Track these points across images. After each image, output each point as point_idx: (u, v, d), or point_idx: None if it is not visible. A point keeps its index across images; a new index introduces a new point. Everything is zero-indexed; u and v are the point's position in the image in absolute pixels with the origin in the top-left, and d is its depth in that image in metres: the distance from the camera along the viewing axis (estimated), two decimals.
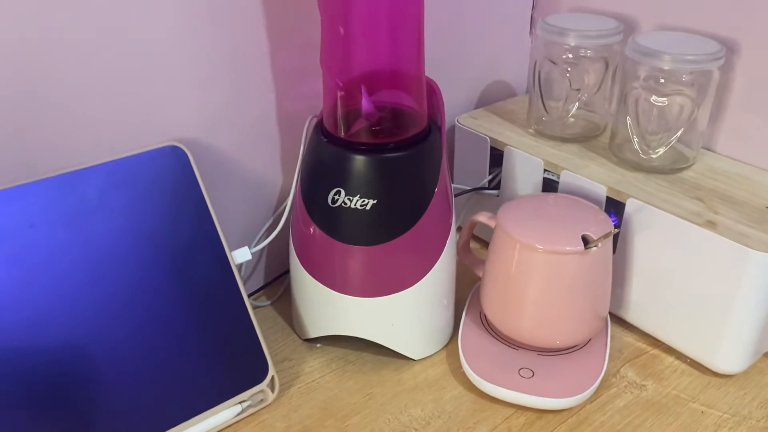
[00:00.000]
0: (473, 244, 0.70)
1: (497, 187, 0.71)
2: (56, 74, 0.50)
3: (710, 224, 0.53)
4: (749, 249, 0.51)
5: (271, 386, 0.55)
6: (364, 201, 0.53)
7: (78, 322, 0.49)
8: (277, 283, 0.69)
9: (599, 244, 0.53)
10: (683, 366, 0.59)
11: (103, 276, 0.51)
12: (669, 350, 0.60)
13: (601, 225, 0.55)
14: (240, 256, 0.56)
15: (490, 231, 0.59)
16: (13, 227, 0.49)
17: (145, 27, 0.52)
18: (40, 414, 0.47)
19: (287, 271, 0.68)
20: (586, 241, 0.53)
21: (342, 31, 0.51)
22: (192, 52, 0.55)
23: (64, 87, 0.50)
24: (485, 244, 0.74)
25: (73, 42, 0.49)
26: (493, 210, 0.61)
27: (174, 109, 0.56)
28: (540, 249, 0.53)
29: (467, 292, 0.65)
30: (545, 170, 0.64)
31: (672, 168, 0.62)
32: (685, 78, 0.58)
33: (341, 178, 0.53)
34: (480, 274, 0.63)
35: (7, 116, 0.49)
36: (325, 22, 0.51)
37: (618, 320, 0.63)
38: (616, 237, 0.59)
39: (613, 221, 0.57)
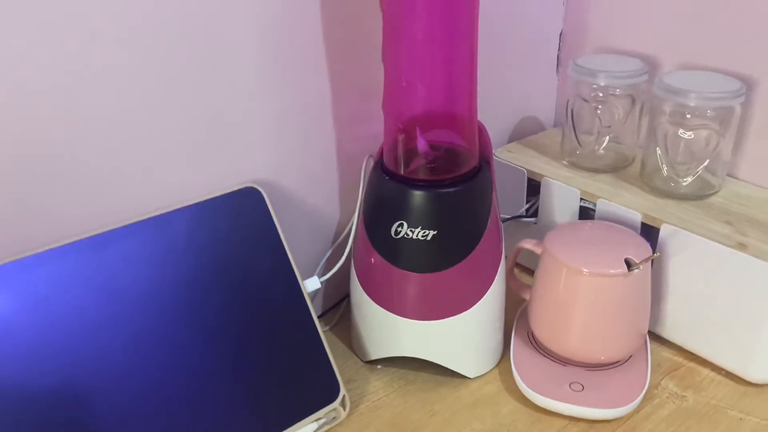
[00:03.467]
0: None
1: (534, 214, 0.76)
2: (138, 123, 0.54)
3: (741, 246, 0.59)
4: None
5: (343, 405, 0.59)
6: (425, 232, 0.58)
7: (167, 357, 0.54)
8: (333, 311, 0.74)
9: (641, 267, 0.58)
10: (719, 377, 0.64)
11: (189, 312, 0.56)
12: (704, 363, 0.65)
13: (640, 248, 0.60)
14: (311, 285, 0.61)
15: (530, 257, 0.64)
16: (112, 269, 0.54)
17: (228, 80, 0.58)
18: None
19: (343, 299, 0.73)
20: (629, 264, 0.58)
21: (404, 82, 0.57)
22: (266, 102, 0.60)
23: (146, 137, 0.55)
24: (524, 268, 0.79)
25: (160, 96, 0.55)
26: (532, 236, 0.66)
27: (250, 153, 0.61)
28: (586, 272, 0.59)
29: (513, 312, 0.70)
30: (581, 199, 0.70)
31: (700, 195, 0.67)
32: (709, 113, 0.64)
33: (404, 211, 0.59)
34: (526, 296, 0.68)
35: (90, 166, 0.53)
36: (388, 73, 0.57)
37: (655, 336, 0.68)
38: (653, 259, 0.65)
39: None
